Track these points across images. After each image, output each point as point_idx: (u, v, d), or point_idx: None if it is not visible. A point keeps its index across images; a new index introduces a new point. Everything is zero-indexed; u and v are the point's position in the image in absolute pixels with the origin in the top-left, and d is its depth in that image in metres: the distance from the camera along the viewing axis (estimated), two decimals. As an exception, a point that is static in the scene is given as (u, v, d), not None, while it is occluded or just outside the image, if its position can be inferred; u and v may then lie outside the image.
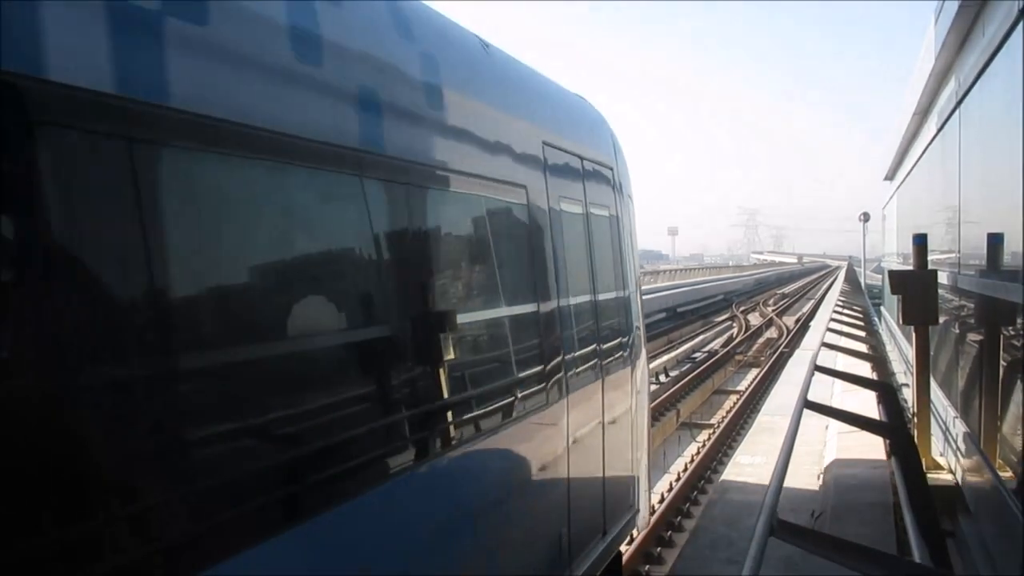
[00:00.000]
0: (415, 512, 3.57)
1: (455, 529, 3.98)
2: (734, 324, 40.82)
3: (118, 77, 2.26)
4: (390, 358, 3.47)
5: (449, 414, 3.89)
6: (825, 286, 64.50)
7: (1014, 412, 6.46)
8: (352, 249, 3.40)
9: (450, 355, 3.87)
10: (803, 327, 33.14)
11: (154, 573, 2.30)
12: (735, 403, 19.63)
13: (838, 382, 13.14)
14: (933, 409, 10.30)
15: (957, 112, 9.32)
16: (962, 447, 8.73)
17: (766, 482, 6.11)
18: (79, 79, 2.14)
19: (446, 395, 3.82)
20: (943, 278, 10.03)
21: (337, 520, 3.00)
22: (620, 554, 7.08)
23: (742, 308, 50.39)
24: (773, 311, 47.50)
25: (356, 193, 3.34)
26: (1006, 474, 6.50)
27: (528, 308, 4.89)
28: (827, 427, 13.14)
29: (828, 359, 15.36)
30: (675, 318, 40.59)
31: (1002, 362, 7.10)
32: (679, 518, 11.21)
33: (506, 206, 4.74)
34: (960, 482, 8.86)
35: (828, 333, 18.64)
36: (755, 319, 43.60)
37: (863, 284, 49.49)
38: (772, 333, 36.64)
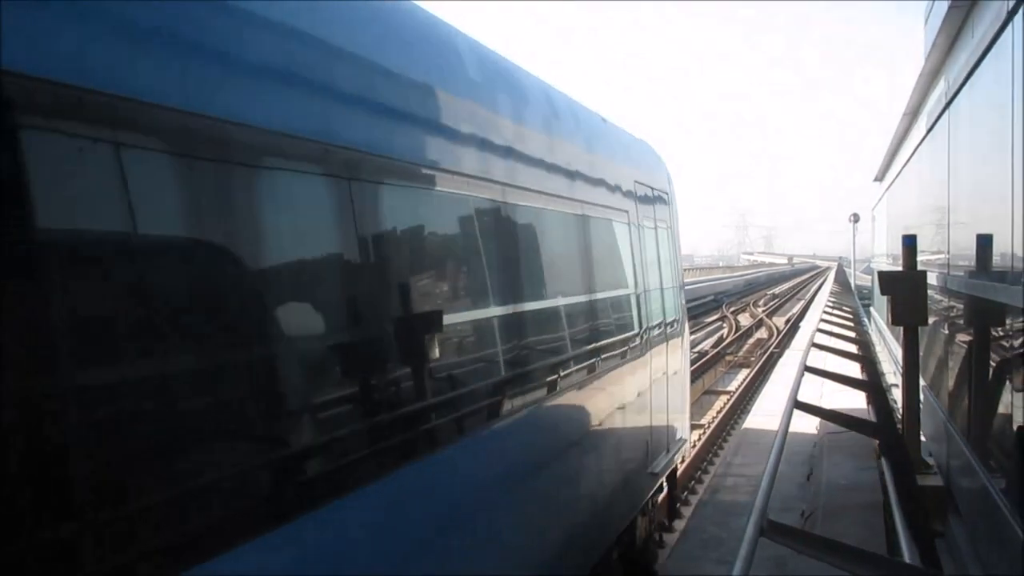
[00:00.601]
0: (569, 415, 5.79)
1: (592, 433, 6.25)
2: (724, 324, 40.92)
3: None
4: (559, 320, 5.63)
5: (591, 357, 6.13)
6: (815, 287, 64.80)
7: (1002, 412, 6.47)
8: (533, 255, 5.31)
9: (591, 320, 6.25)
10: (793, 327, 33.25)
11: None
12: (725, 403, 19.67)
13: (828, 383, 13.16)
14: (922, 409, 10.33)
15: (946, 113, 9.35)
16: (951, 447, 8.76)
17: (756, 482, 6.11)
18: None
19: (590, 345, 6.13)
20: (932, 279, 10.04)
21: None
22: (676, 469, 9.99)
23: (732, 308, 50.52)
24: (763, 311, 47.65)
25: (543, 217, 5.43)
26: (995, 474, 6.51)
27: (630, 291, 7.44)
28: (817, 427, 13.17)
29: (818, 360, 15.37)
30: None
31: (991, 363, 7.11)
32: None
33: (618, 224, 7.22)
34: (949, 482, 8.90)
35: (818, 334, 18.68)
36: (745, 319, 43.72)
37: (853, 285, 49.63)
38: (762, 333, 36.75)
